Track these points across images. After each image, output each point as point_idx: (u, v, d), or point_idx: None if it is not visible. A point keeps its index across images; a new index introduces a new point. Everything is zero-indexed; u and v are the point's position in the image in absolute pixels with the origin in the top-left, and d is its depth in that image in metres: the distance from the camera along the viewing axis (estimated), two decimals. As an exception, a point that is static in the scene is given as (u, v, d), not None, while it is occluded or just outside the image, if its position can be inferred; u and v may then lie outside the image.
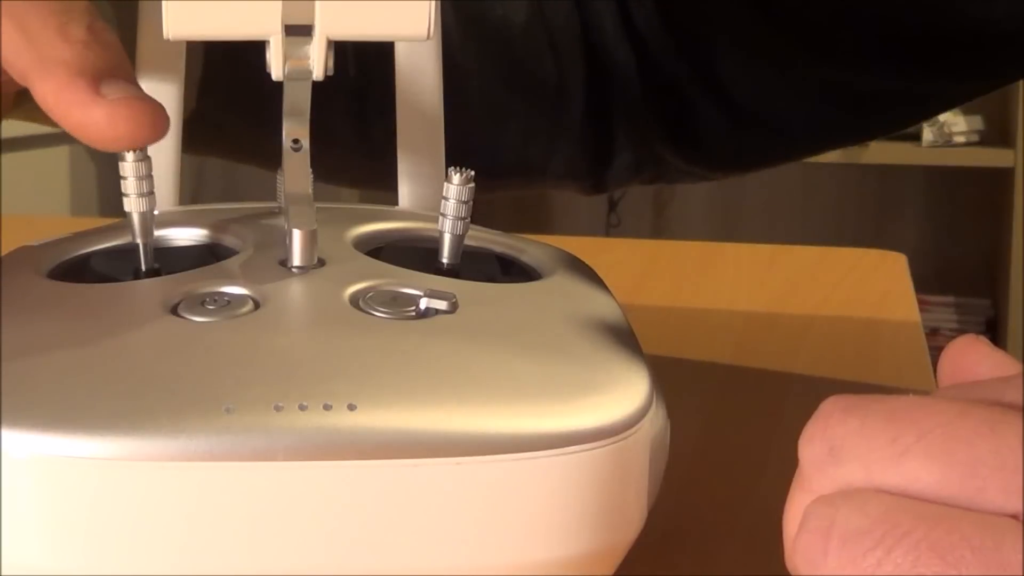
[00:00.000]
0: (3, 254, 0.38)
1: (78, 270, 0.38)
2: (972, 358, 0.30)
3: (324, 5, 0.35)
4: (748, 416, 0.51)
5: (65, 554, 0.29)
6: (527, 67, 0.57)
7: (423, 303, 0.34)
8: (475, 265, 0.38)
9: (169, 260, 0.37)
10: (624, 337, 0.35)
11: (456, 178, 0.37)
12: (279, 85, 0.37)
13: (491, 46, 0.56)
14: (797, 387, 0.55)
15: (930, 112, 0.62)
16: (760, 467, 0.45)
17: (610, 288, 0.39)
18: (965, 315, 2.45)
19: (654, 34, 0.56)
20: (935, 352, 0.31)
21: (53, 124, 0.43)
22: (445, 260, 0.38)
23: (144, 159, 0.35)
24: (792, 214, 2.58)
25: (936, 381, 0.30)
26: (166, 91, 0.41)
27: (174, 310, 0.33)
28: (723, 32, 0.56)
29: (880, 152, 2.25)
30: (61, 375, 0.30)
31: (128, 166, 0.35)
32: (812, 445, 0.28)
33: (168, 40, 0.35)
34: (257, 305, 0.33)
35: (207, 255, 0.38)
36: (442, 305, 0.34)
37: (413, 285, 0.35)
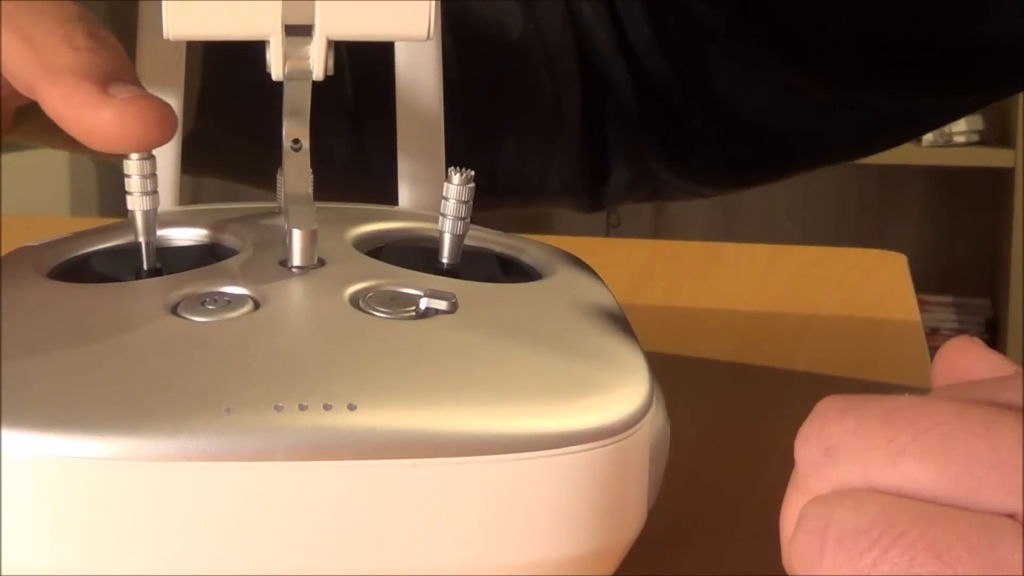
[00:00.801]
0: (3, 254, 0.38)
1: (78, 270, 0.38)
2: (967, 359, 0.30)
3: (324, 5, 0.35)
4: (748, 416, 0.51)
5: (65, 554, 0.29)
6: (523, 85, 0.57)
7: (423, 303, 0.34)
8: (475, 265, 0.38)
9: (169, 260, 0.37)
10: (624, 337, 0.35)
11: (456, 178, 0.37)
12: (278, 104, 0.37)
13: (486, 64, 0.56)
14: (797, 387, 0.55)
15: (928, 126, 0.62)
16: (760, 467, 0.45)
17: (610, 288, 0.39)
18: (965, 315, 2.45)
19: (649, 51, 0.56)
20: (935, 352, 0.31)
21: (52, 144, 0.43)
22: (445, 260, 0.38)
23: (148, 157, 0.35)
24: (792, 214, 2.58)
25: (931, 383, 0.30)
26: (166, 94, 0.41)
27: (174, 310, 0.33)
28: (718, 49, 0.56)
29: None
30: (61, 375, 0.30)
31: (132, 164, 0.35)
32: (808, 445, 0.28)
33: (168, 41, 0.35)
34: (257, 305, 0.33)
35: (207, 255, 0.38)
36: (442, 305, 0.34)
37: (413, 285, 0.35)
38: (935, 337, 2.27)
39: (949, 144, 2.29)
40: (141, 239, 0.36)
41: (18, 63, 0.35)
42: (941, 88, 0.56)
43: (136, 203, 0.36)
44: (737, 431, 0.50)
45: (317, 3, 0.35)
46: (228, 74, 0.52)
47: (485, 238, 0.40)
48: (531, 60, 0.56)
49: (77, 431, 0.28)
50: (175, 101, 0.41)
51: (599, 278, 0.39)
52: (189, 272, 0.35)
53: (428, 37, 0.36)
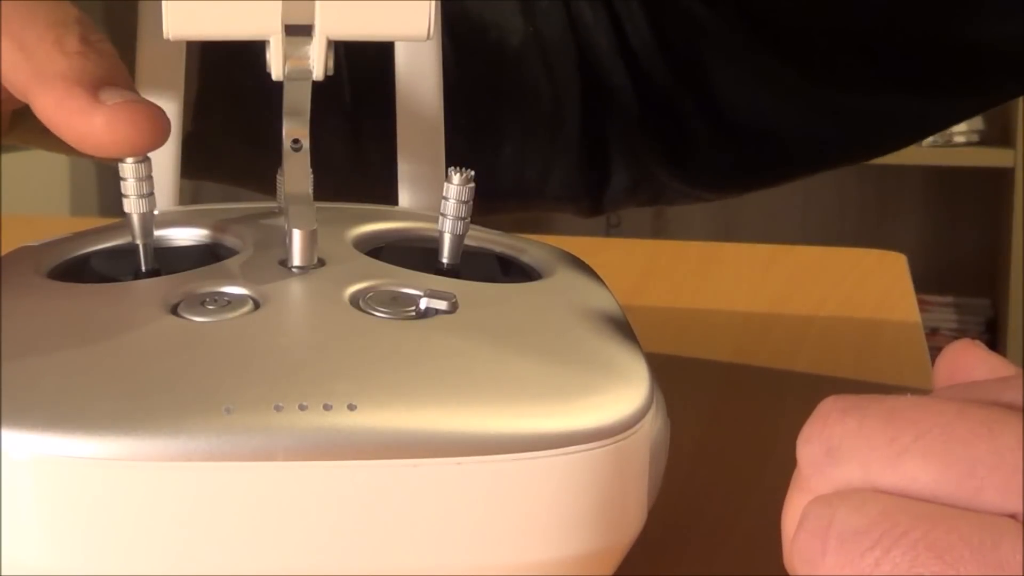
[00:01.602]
0: (3, 254, 0.38)
1: (78, 270, 0.38)
2: (968, 362, 0.30)
3: (324, 5, 0.35)
4: (748, 416, 0.51)
5: (65, 554, 0.29)
6: (523, 88, 0.57)
7: (423, 303, 0.34)
8: (475, 265, 0.38)
9: (169, 260, 0.37)
10: (624, 337, 0.35)
11: (456, 178, 0.37)
12: (277, 106, 0.37)
13: (486, 67, 0.56)
14: (797, 387, 0.55)
15: (929, 130, 0.62)
16: (760, 467, 0.45)
17: (610, 288, 0.39)
18: (965, 315, 2.45)
19: (649, 54, 0.56)
20: (935, 352, 0.31)
21: (48, 147, 0.43)
22: (445, 260, 0.38)
23: (144, 160, 0.35)
24: (792, 214, 2.58)
25: (933, 384, 0.30)
26: (166, 95, 0.41)
27: (174, 310, 0.33)
28: (719, 52, 0.56)
29: (880, 152, 2.25)
30: (61, 375, 0.30)
31: (128, 167, 0.35)
32: (810, 445, 0.28)
33: (168, 41, 0.35)
34: (257, 305, 0.33)
35: (207, 255, 0.38)
36: (442, 305, 0.34)
37: (413, 285, 0.35)
38: (935, 337, 2.27)
39: (949, 144, 2.29)
40: (138, 241, 0.36)
41: (10, 67, 0.34)
42: (943, 92, 0.56)
43: (132, 206, 0.36)
44: (737, 431, 0.50)
45: (317, 3, 0.35)
46: (226, 76, 0.52)
47: (485, 238, 0.40)
48: (530, 63, 0.56)
49: (77, 431, 0.28)
50: (175, 102, 0.41)
51: (599, 278, 0.39)
52: (189, 272, 0.35)
53: (428, 37, 0.36)
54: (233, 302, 0.33)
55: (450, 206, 0.37)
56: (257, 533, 0.29)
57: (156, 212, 0.36)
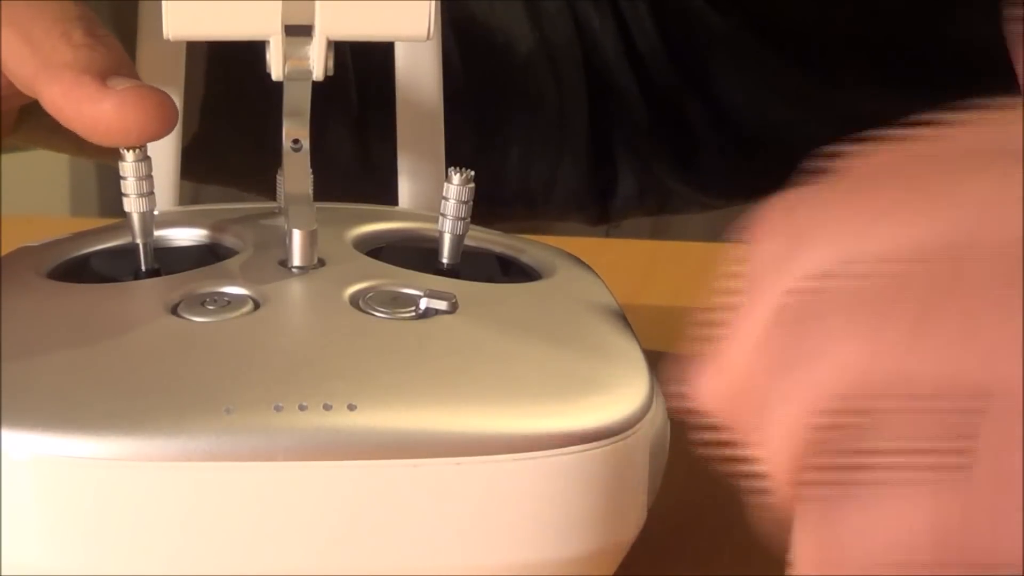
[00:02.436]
0: (3, 254, 0.38)
1: (78, 270, 0.38)
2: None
3: (324, 5, 0.35)
4: (748, 416, 0.51)
5: (65, 554, 0.29)
6: (529, 93, 0.57)
7: (423, 303, 0.34)
8: (475, 265, 0.38)
9: (169, 260, 0.37)
10: (624, 337, 0.35)
11: (456, 178, 0.37)
12: (279, 110, 0.37)
13: (492, 72, 0.56)
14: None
15: None
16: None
17: (610, 288, 0.39)
18: (965, 315, 2.44)
19: (656, 59, 0.56)
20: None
21: (54, 146, 0.43)
22: (445, 260, 0.38)
23: (144, 159, 0.35)
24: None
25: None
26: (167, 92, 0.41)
27: (174, 310, 0.33)
28: (726, 57, 0.56)
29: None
30: (61, 375, 0.30)
31: (128, 166, 0.35)
32: (773, 239, 0.25)
33: (168, 41, 0.35)
34: (257, 305, 0.33)
35: (207, 255, 0.38)
36: (442, 305, 0.34)
37: (413, 285, 0.35)
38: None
39: (949, 144, 2.29)
40: (138, 240, 0.36)
41: (17, 61, 0.35)
42: (951, 95, 0.56)
43: (132, 205, 0.36)
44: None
45: (317, 3, 0.35)
46: (231, 79, 0.52)
47: (485, 238, 0.40)
48: (537, 69, 0.56)
49: (77, 431, 0.28)
50: (176, 102, 0.41)
51: (599, 278, 0.39)
52: (189, 272, 0.35)
53: (428, 37, 0.36)
54: (233, 302, 0.33)
55: (450, 206, 0.37)
56: (257, 533, 0.29)
57: (156, 212, 0.36)
